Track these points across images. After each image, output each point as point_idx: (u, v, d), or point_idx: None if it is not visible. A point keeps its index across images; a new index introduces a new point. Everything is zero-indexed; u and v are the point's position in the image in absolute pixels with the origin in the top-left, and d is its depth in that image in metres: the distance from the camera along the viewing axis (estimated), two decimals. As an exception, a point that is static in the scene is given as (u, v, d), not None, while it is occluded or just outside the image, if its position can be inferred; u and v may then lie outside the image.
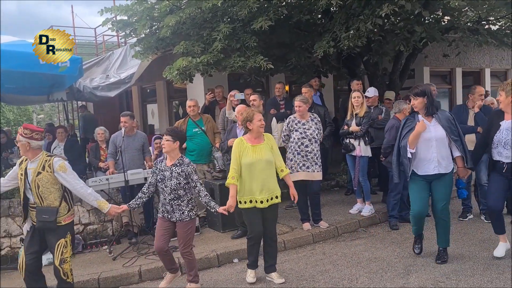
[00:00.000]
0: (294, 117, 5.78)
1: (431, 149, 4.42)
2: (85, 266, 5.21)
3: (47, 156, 3.98)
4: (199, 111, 6.69)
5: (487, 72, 12.30)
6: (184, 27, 6.93)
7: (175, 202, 4.20)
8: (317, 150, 5.71)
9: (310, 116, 5.80)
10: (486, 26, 8.35)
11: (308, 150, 5.63)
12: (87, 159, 8.64)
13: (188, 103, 6.51)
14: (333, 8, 6.54)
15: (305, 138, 5.65)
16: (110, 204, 4.19)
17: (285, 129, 5.82)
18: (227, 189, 5.74)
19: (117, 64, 9.90)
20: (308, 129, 5.70)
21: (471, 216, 6.19)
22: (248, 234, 4.50)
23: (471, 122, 5.85)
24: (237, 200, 4.30)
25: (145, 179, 5.65)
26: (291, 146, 5.75)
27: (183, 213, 4.22)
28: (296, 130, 5.71)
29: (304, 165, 5.64)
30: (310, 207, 5.98)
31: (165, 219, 4.27)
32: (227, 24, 6.42)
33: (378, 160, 6.39)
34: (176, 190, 4.17)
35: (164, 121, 10.80)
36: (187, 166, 4.20)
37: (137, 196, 4.34)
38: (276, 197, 4.38)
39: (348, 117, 6.37)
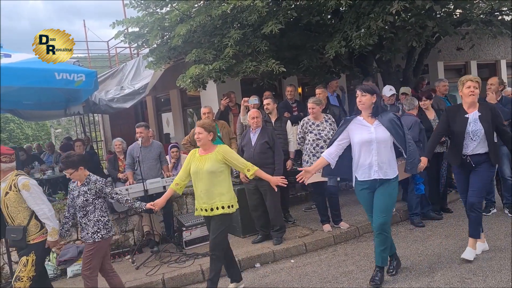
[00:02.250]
0: (308, 119, 5.78)
1: (372, 152, 4.07)
2: (109, 277, 5.26)
3: (15, 176, 3.99)
4: (214, 118, 6.72)
5: (503, 64, 12.10)
6: (195, 35, 6.98)
7: (83, 220, 4.17)
8: None
9: (324, 117, 5.79)
10: (500, 17, 8.22)
11: (323, 151, 5.60)
12: (105, 170, 8.76)
13: (202, 110, 6.55)
14: (342, 8, 6.52)
15: (320, 140, 5.63)
16: (57, 237, 4.09)
17: (300, 131, 5.82)
18: (245, 194, 5.81)
19: (131, 75, 10.01)
20: (323, 130, 5.69)
21: (495, 211, 6.09)
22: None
23: None
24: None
25: (164, 187, 5.71)
26: (306, 148, 5.74)
27: (87, 233, 4.15)
28: (310, 132, 5.70)
29: None
30: (329, 208, 5.95)
31: None
32: (237, 30, 6.45)
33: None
34: (84, 207, 4.14)
35: (180, 129, 10.87)
36: (95, 184, 4.18)
37: (62, 223, 4.26)
38: (217, 208, 4.22)
39: (363, 116, 6.33)
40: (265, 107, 6.35)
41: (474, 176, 4.49)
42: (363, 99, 4.10)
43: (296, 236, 5.75)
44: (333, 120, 5.88)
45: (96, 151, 11.61)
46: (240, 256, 5.23)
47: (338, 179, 5.42)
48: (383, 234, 4.17)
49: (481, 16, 8.00)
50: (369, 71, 8.30)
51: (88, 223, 4.14)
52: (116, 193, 4.35)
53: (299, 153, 6.63)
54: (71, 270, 5.48)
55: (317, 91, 6.57)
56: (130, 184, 5.95)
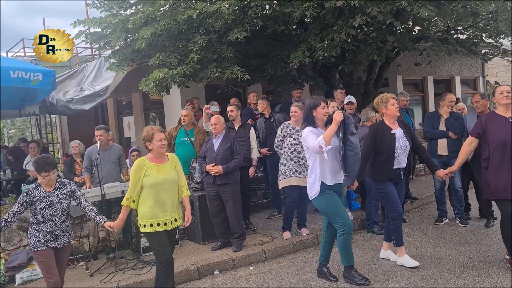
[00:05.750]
0: (289, 123, 5.81)
1: (337, 156, 4.31)
2: (61, 284, 5.06)
3: None
4: (192, 121, 6.63)
5: (457, 80, 12.65)
6: (160, 39, 6.90)
7: (65, 224, 4.14)
8: None
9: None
10: (455, 36, 8.61)
11: (300, 157, 5.63)
12: (61, 173, 8.46)
13: (182, 112, 6.50)
14: (307, 19, 6.63)
15: (298, 145, 5.64)
16: None
17: (279, 135, 5.84)
18: (206, 200, 5.76)
19: (92, 76, 9.75)
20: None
21: (447, 221, 6.33)
22: (160, 258, 4.06)
23: (442, 127, 6.07)
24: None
25: (122, 192, 5.57)
26: (284, 152, 5.77)
27: (70, 234, 4.24)
28: (290, 136, 5.73)
29: (296, 170, 5.65)
30: (297, 211, 5.98)
31: (50, 248, 4.03)
32: (203, 36, 6.42)
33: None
34: (67, 211, 4.16)
35: (141, 133, 10.67)
36: (69, 185, 4.19)
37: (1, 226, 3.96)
38: (176, 220, 4.12)
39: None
40: (228, 114, 6.34)
41: (399, 188, 4.82)
42: (328, 110, 4.40)
43: (256, 243, 5.75)
44: None
45: (51, 153, 11.20)
46: (199, 263, 5.18)
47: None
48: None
49: (438, 33, 8.37)
50: (332, 82, 8.47)
51: (68, 225, 4.21)
52: (85, 199, 4.28)
53: (261, 160, 6.67)
54: (20, 277, 5.23)
55: (259, 102, 6.87)
56: (87, 188, 5.78)
